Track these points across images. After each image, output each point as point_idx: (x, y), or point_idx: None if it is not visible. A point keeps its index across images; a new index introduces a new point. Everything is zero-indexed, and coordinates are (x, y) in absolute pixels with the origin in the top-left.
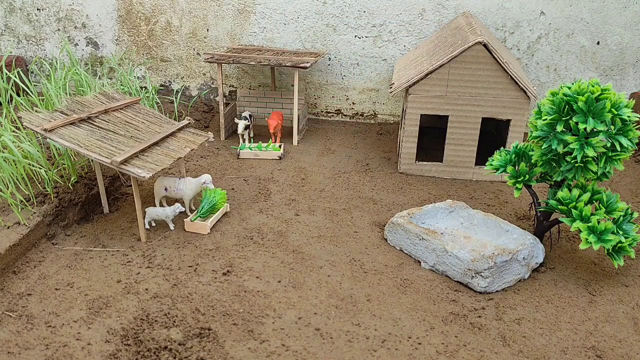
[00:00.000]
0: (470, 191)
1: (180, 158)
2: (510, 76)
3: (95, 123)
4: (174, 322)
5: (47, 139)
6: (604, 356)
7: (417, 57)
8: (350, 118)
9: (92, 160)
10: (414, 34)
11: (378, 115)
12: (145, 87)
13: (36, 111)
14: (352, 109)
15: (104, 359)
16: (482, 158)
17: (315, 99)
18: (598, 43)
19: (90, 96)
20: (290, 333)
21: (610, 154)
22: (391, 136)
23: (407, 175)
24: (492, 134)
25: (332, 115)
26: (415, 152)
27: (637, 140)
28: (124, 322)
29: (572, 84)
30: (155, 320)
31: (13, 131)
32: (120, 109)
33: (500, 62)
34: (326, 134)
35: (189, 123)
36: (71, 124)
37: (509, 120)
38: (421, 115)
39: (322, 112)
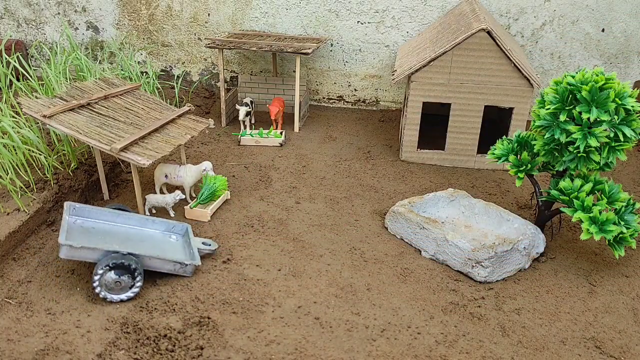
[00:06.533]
0: (472, 179)
1: (180, 145)
2: (514, 64)
3: (94, 109)
4: (174, 310)
5: (47, 125)
6: (603, 347)
7: (420, 44)
8: (352, 105)
9: (92, 147)
10: (417, 20)
11: (380, 102)
12: (146, 72)
13: (35, 97)
14: (354, 95)
15: (104, 347)
16: (484, 146)
17: (317, 85)
18: (603, 30)
19: (90, 82)
20: (290, 322)
21: (613, 144)
22: (393, 123)
23: (408, 163)
24: (495, 122)
25: (334, 102)
26: (417, 140)
27: None
28: (124, 309)
29: (576, 72)
30: (155, 308)
31: (13, 117)
32: (120, 95)
33: (504, 49)
34: (328, 120)
35: (190, 109)
36: (71, 110)
37: (511, 109)
38: (423, 102)
39: (323, 98)
